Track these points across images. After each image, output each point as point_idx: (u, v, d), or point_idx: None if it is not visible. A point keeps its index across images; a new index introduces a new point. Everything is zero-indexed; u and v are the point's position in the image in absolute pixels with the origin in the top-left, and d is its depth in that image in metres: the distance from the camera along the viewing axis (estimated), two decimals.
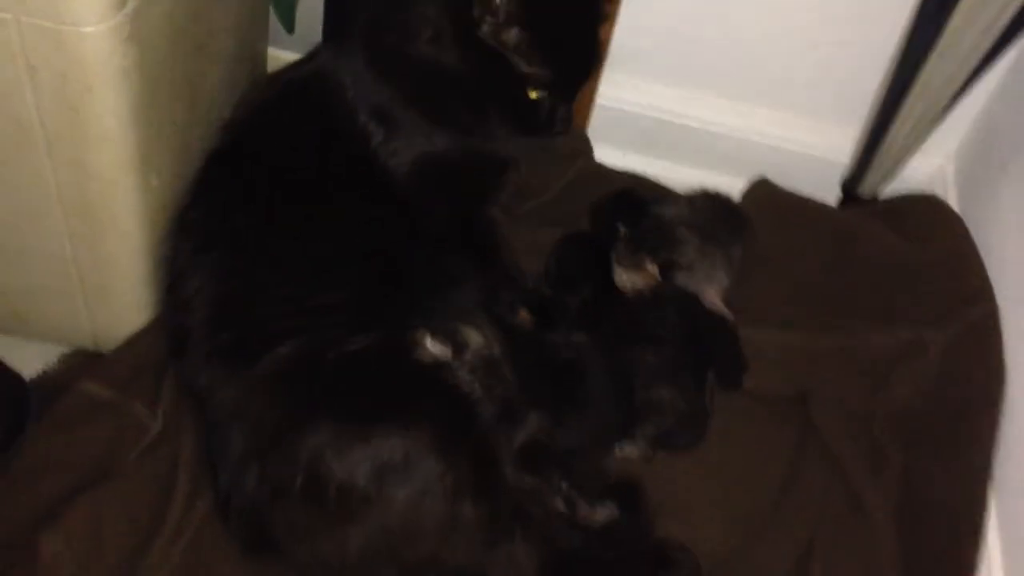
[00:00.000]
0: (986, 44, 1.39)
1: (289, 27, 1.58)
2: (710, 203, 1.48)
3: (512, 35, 1.19)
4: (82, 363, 1.34)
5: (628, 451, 1.34)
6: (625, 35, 1.56)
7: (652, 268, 1.36)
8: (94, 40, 0.97)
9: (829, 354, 1.41)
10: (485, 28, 1.18)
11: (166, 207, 1.24)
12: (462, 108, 1.28)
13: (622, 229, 1.41)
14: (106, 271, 1.23)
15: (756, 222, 1.53)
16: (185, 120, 1.24)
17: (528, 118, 1.27)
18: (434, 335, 1.18)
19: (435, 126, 1.30)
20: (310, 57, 1.38)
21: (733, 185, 1.61)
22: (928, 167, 1.67)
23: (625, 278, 1.38)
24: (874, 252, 1.47)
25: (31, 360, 1.34)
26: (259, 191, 1.25)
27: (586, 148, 1.67)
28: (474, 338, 1.21)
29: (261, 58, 1.57)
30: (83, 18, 0.95)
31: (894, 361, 1.39)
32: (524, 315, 1.35)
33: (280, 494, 1.11)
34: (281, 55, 1.61)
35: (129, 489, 1.21)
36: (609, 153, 1.68)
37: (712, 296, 1.37)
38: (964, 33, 1.37)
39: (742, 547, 1.29)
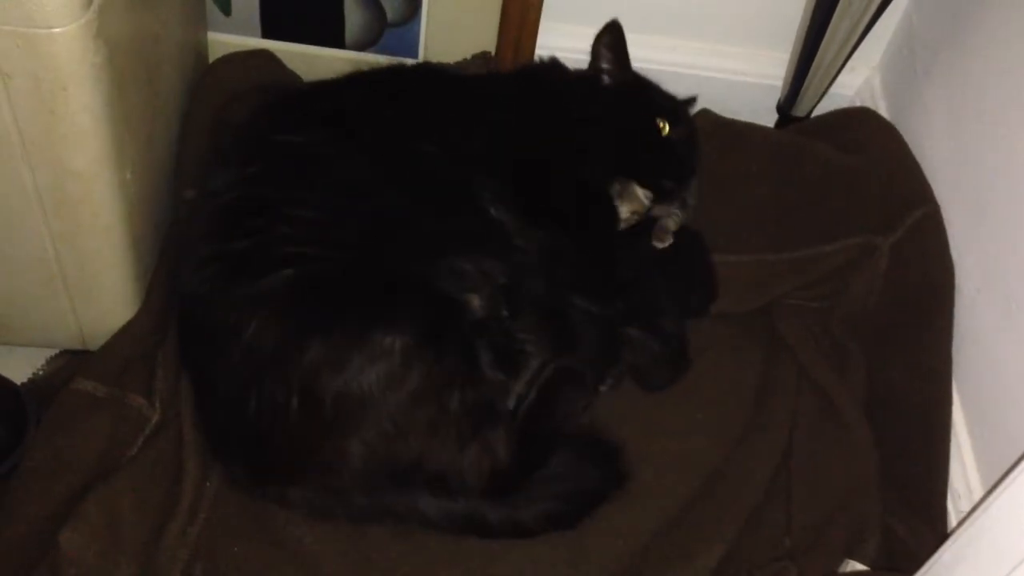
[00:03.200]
0: None
1: (226, 10, 1.59)
2: None
3: None
4: (73, 363, 1.35)
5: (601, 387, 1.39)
6: None
7: (643, 194, 1.40)
8: (66, 40, 0.98)
9: (785, 270, 1.49)
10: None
11: (141, 200, 1.25)
12: None
13: None
14: (90, 269, 1.24)
15: (702, 152, 1.59)
16: (150, 113, 1.25)
17: None
18: None
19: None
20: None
21: None
22: (856, 81, 1.75)
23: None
24: (817, 168, 1.53)
25: (18, 366, 1.35)
26: (348, 119, 1.31)
27: None
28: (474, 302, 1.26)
29: (203, 44, 1.57)
30: (54, 19, 0.96)
31: (847, 267, 1.47)
32: None
33: (279, 415, 1.14)
34: (221, 38, 1.61)
35: (139, 479, 1.23)
36: None
37: (668, 224, 1.43)
38: None
39: (729, 456, 1.37)
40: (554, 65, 1.51)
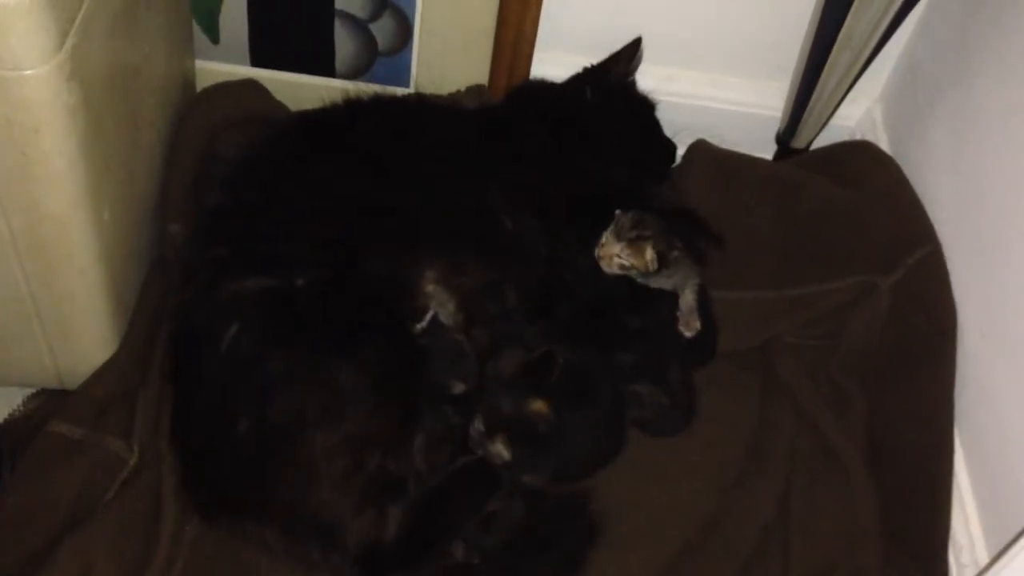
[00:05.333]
0: None
1: (213, 38, 1.56)
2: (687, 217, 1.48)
3: None
4: (50, 403, 1.32)
5: None
6: (552, 12, 1.58)
7: (651, 254, 1.31)
8: (37, 82, 0.95)
9: (784, 308, 1.45)
10: None
11: (120, 240, 1.22)
12: None
13: (619, 212, 1.35)
14: (65, 309, 1.21)
15: (698, 184, 1.56)
16: (130, 149, 1.22)
17: None
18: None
19: None
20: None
21: None
22: (857, 112, 1.72)
23: (616, 252, 1.32)
24: (817, 203, 1.50)
25: None
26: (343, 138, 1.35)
27: None
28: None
29: (190, 73, 1.54)
30: (23, 61, 0.93)
31: (846, 306, 1.43)
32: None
33: (237, 431, 1.13)
34: (209, 67, 1.58)
35: (114, 525, 1.20)
36: None
37: (690, 302, 1.37)
38: None
39: (723, 501, 1.33)
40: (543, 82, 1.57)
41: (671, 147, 1.58)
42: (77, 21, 0.98)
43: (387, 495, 1.15)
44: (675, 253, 1.33)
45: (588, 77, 1.55)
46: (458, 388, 1.22)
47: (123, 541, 1.19)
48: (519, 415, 1.21)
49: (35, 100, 0.96)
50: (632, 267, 1.32)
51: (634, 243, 1.32)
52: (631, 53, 1.54)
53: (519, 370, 1.25)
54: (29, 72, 0.94)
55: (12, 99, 0.95)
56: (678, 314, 1.35)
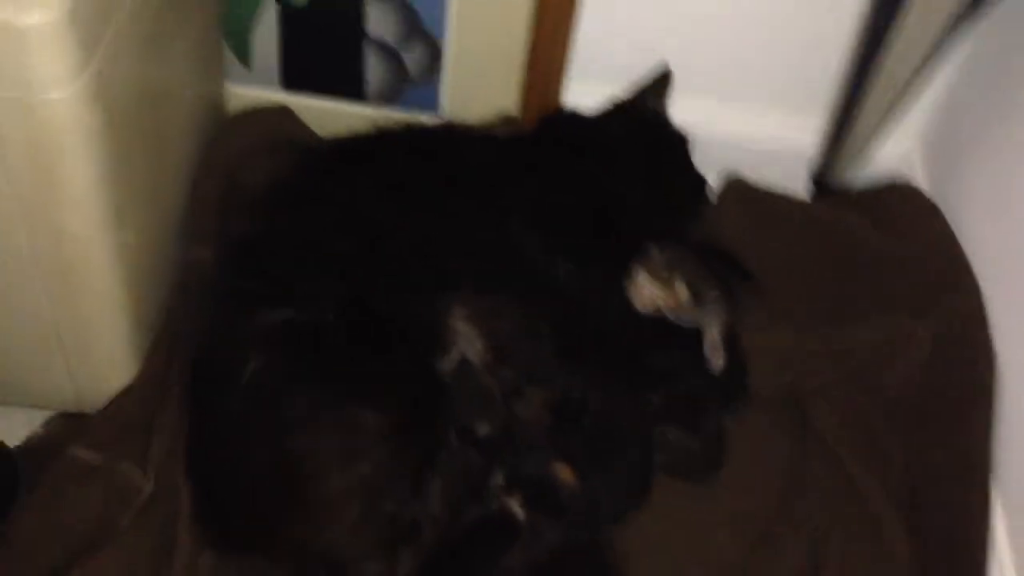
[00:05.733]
0: (946, 27, 1.39)
1: (245, 61, 1.55)
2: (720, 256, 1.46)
3: None
4: (68, 427, 1.30)
5: None
6: (585, 43, 1.56)
7: (682, 289, 1.29)
8: (61, 105, 0.94)
9: (818, 353, 1.41)
10: None
11: (143, 263, 1.21)
12: None
13: (654, 248, 1.33)
14: (86, 332, 1.20)
15: (733, 221, 1.53)
16: (155, 172, 1.21)
17: None
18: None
19: None
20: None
21: None
22: (896, 151, 1.67)
23: (647, 291, 1.30)
24: (854, 245, 1.47)
25: (13, 427, 1.31)
26: (374, 169, 1.34)
27: None
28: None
29: (219, 96, 1.53)
30: (48, 85, 0.92)
31: (883, 354, 1.39)
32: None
33: (254, 467, 1.12)
34: (239, 91, 1.57)
35: (128, 553, 1.18)
36: None
37: (715, 336, 1.33)
38: (924, 16, 1.37)
39: (752, 553, 1.29)
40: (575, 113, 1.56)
41: (702, 181, 1.55)
42: (103, 44, 0.97)
43: (401, 539, 1.12)
44: (713, 292, 1.30)
45: (620, 109, 1.53)
46: (483, 429, 1.19)
47: (137, 569, 1.17)
48: (540, 476, 1.18)
49: (59, 123, 0.95)
50: (666, 305, 1.30)
51: (668, 280, 1.29)
52: (662, 84, 1.52)
53: (546, 416, 1.22)
54: (53, 95, 0.92)
55: (36, 121, 0.94)
56: (705, 349, 1.32)
